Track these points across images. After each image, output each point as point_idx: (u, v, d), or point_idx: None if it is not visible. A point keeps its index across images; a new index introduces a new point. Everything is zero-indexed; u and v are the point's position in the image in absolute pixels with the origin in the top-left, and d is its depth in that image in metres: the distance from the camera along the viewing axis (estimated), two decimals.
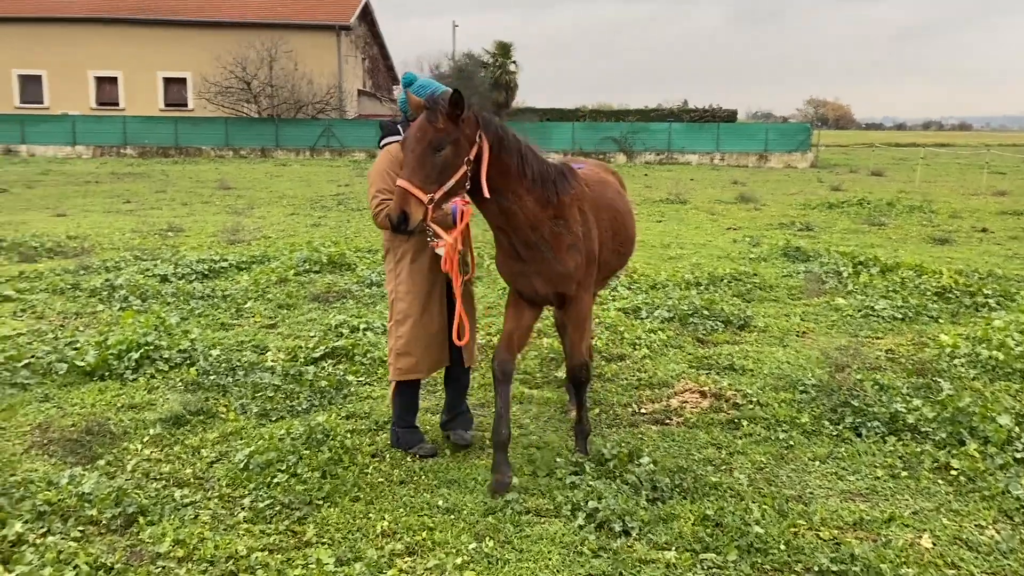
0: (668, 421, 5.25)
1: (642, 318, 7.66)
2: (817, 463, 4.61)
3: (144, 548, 3.59)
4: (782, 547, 3.64)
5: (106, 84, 41.49)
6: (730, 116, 47.01)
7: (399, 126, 4.55)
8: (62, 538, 3.63)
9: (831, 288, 9.05)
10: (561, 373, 6.05)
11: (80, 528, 3.74)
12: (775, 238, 12.68)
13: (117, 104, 41.21)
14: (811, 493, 4.24)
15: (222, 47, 38.00)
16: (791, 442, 4.87)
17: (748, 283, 9.20)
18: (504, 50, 46.21)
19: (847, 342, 6.90)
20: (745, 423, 5.15)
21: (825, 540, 3.75)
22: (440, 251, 4.29)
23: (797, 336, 7.26)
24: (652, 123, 41.34)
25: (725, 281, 9.26)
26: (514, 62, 46.53)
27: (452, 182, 3.79)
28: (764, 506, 4.02)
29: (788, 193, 22.02)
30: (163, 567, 3.45)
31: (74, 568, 3.35)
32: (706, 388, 5.72)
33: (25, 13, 40.40)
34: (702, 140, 38.63)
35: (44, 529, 3.71)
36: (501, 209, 4.06)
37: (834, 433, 4.98)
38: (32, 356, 6.13)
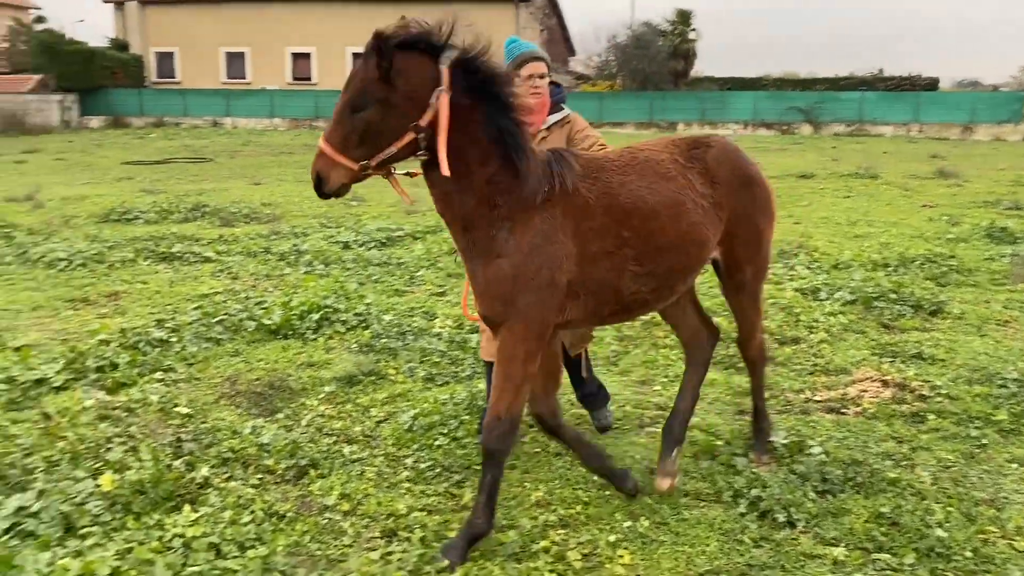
0: (844, 410, 4.92)
1: (821, 300, 7.22)
2: (1015, 465, 4.17)
3: (313, 499, 3.79)
4: (968, 554, 3.32)
5: (300, 60, 44.03)
6: (931, 84, 43.32)
7: None
8: (242, 484, 3.89)
9: None
10: (731, 351, 5.82)
11: (258, 476, 4.00)
12: (978, 217, 11.59)
13: (310, 79, 43.66)
14: (1005, 498, 3.84)
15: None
16: (984, 440, 4.43)
17: (944, 265, 8.46)
18: (684, 18, 44.76)
19: None
20: (932, 417, 4.73)
21: (1020, 552, 3.38)
22: None
23: (998, 325, 6.59)
24: (842, 92, 38.93)
25: (917, 263, 8.56)
26: (694, 30, 44.97)
27: (393, 149, 3.06)
28: (949, 508, 3.68)
29: (996, 168, 20.07)
30: (329, 519, 3.62)
31: (251, 512, 3.58)
32: (889, 377, 5.31)
33: None
34: (898, 110, 35.99)
35: (227, 475, 4.00)
36: (443, 194, 3.20)
37: None
38: (226, 313, 6.61)
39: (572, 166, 3.29)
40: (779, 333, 6.27)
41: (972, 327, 6.52)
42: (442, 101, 3.03)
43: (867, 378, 5.35)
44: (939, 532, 3.44)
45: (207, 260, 8.99)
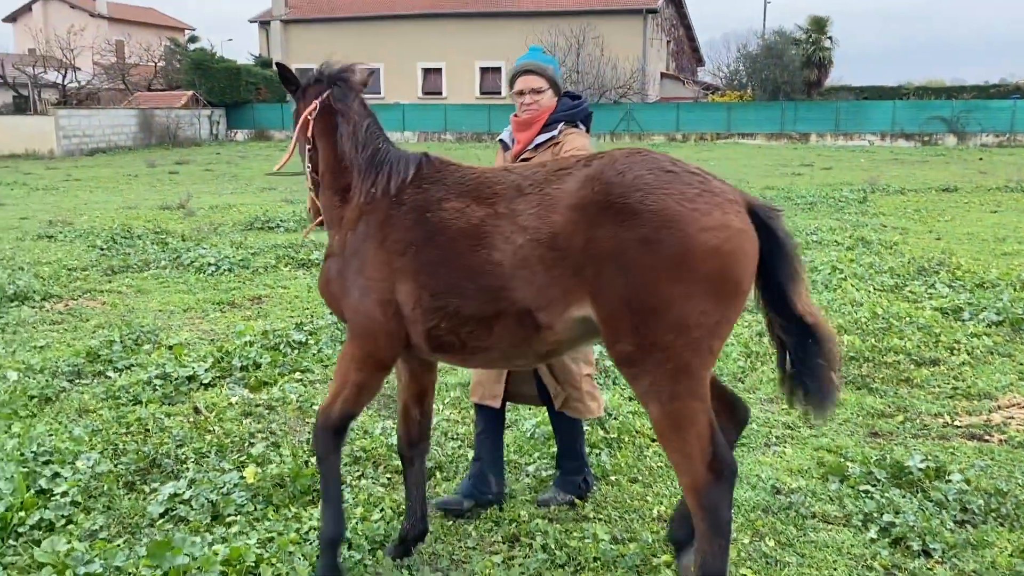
0: (987, 437, 4.66)
1: (963, 320, 6.85)
2: None
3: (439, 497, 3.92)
4: None
5: (431, 74, 45.31)
6: None
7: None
8: (372, 482, 4.08)
9: None
10: (863, 370, 5.61)
11: (387, 476, 4.17)
12: None
13: (440, 93, 44.85)
14: None
15: (534, 36, 39.72)
16: None
17: None
18: (819, 25, 43.32)
19: None
20: None
21: None
22: None
23: None
24: (992, 100, 36.59)
25: None
26: (829, 37, 43.45)
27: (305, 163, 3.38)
28: None
29: None
30: (454, 521, 3.74)
31: (380, 511, 3.75)
32: None
33: (368, 12, 45.34)
34: None
35: (359, 473, 4.19)
36: (311, 201, 3.47)
37: None
38: None
39: (407, 172, 3.09)
40: (916, 353, 5.99)
41: None
42: (303, 118, 3.33)
43: (1014, 404, 5.04)
44: None
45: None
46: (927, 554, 3.42)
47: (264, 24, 47.31)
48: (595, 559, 3.38)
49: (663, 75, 45.34)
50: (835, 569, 3.34)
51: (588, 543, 3.51)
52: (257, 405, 5.05)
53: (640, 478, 4.17)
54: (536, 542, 3.51)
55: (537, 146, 3.68)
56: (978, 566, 3.33)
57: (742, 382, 5.58)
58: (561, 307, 2.73)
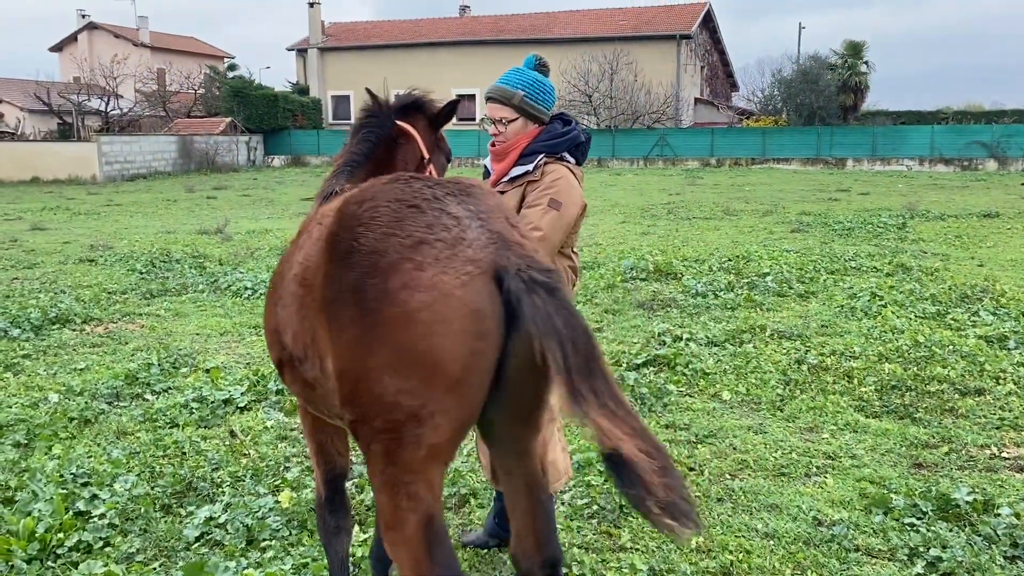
0: None
1: (1010, 348, 6.68)
2: None
3: (474, 528, 3.88)
4: None
5: (465, 101, 45.71)
6: None
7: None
8: None
9: None
10: (906, 399, 5.49)
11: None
12: None
13: (474, 119, 45.22)
14: None
15: (568, 62, 40.05)
16: None
17: None
18: (855, 50, 43.09)
19: None
20: None
21: None
22: None
23: None
24: None
25: None
26: (866, 62, 43.18)
27: None
28: None
29: None
30: (489, 551, 3.70)
31: None
32: None
33: (403, 40, 45.99)
34: None
35: None
36: None
37: None
38: None
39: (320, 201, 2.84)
40: (960, 383, 5.84)
41: None
42: None
43: None
44: None
45: None
46: None
47: (301, 52, 48.20)
48: None
49: (697, 100, 45.31)
50: None
51: (626, 572, 3.45)
52: (292, 429, 5.06)
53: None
54: (572, 572, 3.46)
55: (512, 179, 3.24)
56: None
57: (781, 410, 5.49)
58: (315, 356, 2.29)
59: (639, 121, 39.99)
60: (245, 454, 4.67)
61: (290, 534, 3.77)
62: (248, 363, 6.60)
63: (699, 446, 4.87)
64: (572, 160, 3.25)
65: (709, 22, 45.46)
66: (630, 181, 29.23)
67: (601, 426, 1.86)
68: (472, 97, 45.29)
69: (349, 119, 46.96)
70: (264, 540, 3.71)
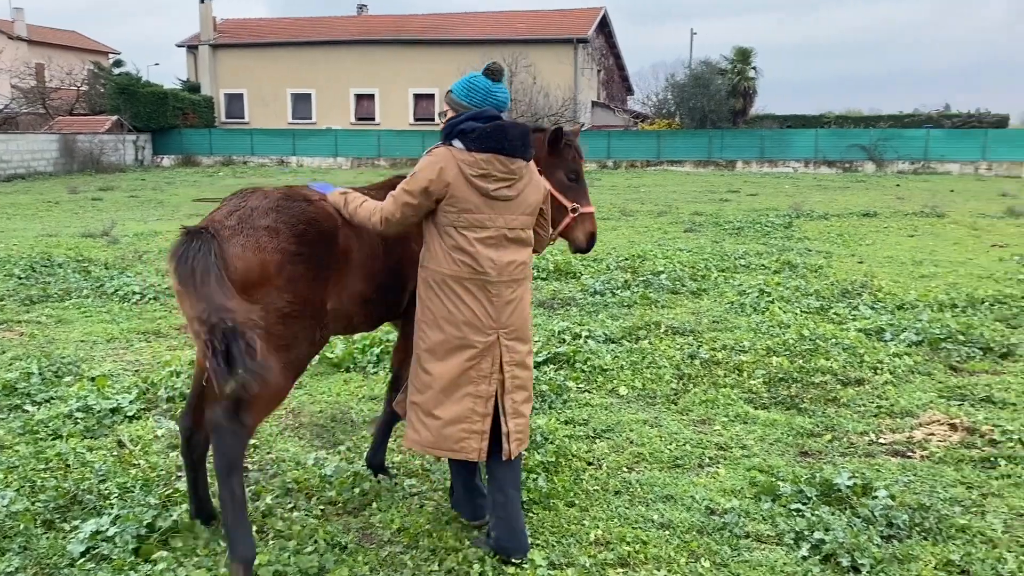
0: (910, 454, 4.81)
1: (885, 340, 7.08)
2: None
3: (374, 531, 3.85)
4: None
5: (364, 100, 45.17)
6: (1000, 121, 42.32)
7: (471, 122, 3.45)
8: (305, 514, 3.98)
9: None
10: (792, 390, 5.75)
11: (321, 507, 4.08)
12: None
13: (373, 119, 44.73)
14: None
15: (467, 63, 39.94)
16: None
17: (1015, 307, 8.23)
18: (744, 56, 44.75)
19: None
20: (1003, 463, 4.60)
21: None
22: None
23: None
24: (907, 129, 38.23)
25: (986, 304, 8.35)
26: (754, 68, 44.92)
27: None
28: (1022, 557, 3.57)
29: None
30: (390, 552, 3.67)
31: (314, 543, 3.66)
32: (957, 421, 5.18)
33: (298, 38, 45.03)
34: (965, 148, 35.08)
35: (291, 504, 4.09)
36: None
37: None
38: None
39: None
40: (842, 374, 6.17)
41: None
42: None
43: (934, 421, 5.22)
44: None
45: None
46: (856, 570, 3.50)
47: (192, 49, 46.54)
48: None
49: (594, 103, 46.10)
50: None
51: (526, 569, 3.48)
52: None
53: (577, 502, 4.17)
54: (473, 569, 3.47)
55: None
56: None
57: (675, 404, 5.65)
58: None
59: (539, 123, 40.36)
60: (135, 464, 4.49)
61: (183, 544, 3.64)
62: (137, 370, 6.35)
63: (597, 440, 4.97)
64: (461, 146, 3.41)
65: (605, 27, 46.31)
66: None
67: None
68: (372, 97, 44.78)
69: (243, 117, 45.74)
70: (155, 552, 3.58)
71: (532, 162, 3.54)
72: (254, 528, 3.77)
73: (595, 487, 4.34)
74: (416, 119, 44.21)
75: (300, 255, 3.29)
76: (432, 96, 43.71)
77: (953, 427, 5.11)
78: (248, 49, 45.72)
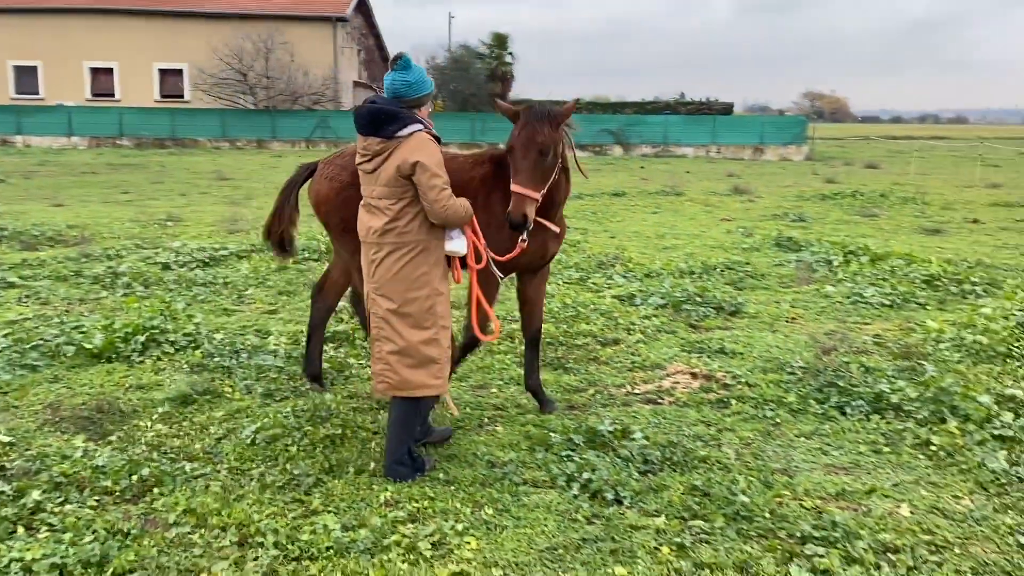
0: (660, 400, 5.43)
1: (636, 305, 7.83)
2: (802, 439, 4.79)
3: (158, 516, 3.76)
4: (767, 515, 3.82)
5: (101, 75, 41.48)
6: (726, 109, 47.16)
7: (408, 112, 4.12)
8: (79, 506, 3.79)
9: (821, 277, 9.24)
10: (559, 352, 6.23)
11: (96, 498, 3.90)
12: (768, 229, 12.86)
13: (113, 95, 41.21)
14: (796, 466, 4.42)
15: (219, 38, 38.02)
16: (777, 420, 5.05)
17: (740, 272, 9.38)
18: (500, 42, 46.35)
19: (835, 327, 7.09)
20: (734, 402, 5.33)
21: (808, 509, 3.92)
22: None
23: (786, 322, 7.44)
24: (648, 116, 41.48)
25: (718, 270, 9.44)
26: (510, 54, 46.72)
27: (550, 181, 4.49)
28: (750, 478, 4.20)
29: (782, 185, 22.19)
30: (178, 533, 3.61)
31: (92, 532, 3.51)
32: (697, 370, 5.90)
33: (20, 4, 40.33)
34: (698, 133, 38.75)
35: (61, 499, 3.87)
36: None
37: (820, 412, 5.16)
38: (40, 339, 6.28)
39: None
40: (601, 335, 6.76)
41: (765, 324, 7.31)
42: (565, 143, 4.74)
43: (679, 371, 5.91)
44: (743, 498, 3.92)
45: (11, 285, 8.41)
46: (619, 502, 3.95)
47: None
48: (328, 548, 3.47)
49: (356, 83, 45.58)
50: (546, 525, 3.74)
51: (320, 534, 3.58)
52: None
53: (366, 469, 4.30)
54: (267, 540, 3.51)
55: None
56: (659, 506, 3.91)
57: (455, 372, 5.91)
58: None
59: (299, 102, 39.28)
60: None
61: None
62: None
63: (381, 412, 5.12)
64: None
65: (364, 6, 45.85)
66: (293, 163, 28.37)
67: None
68: (110, 71, 41.22)
69: None
70: None
71: (413, 136, 4.02)
72: (19, 526, 3.55)
73: (383, 454, 4.49)
74: (163, 95, 41.31)
75: None
76: (180, 72, 41.06)
77: (694, 375, 5.81)
78: None
